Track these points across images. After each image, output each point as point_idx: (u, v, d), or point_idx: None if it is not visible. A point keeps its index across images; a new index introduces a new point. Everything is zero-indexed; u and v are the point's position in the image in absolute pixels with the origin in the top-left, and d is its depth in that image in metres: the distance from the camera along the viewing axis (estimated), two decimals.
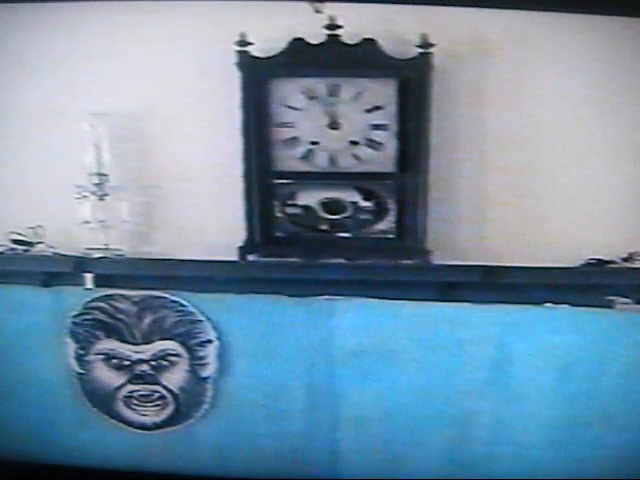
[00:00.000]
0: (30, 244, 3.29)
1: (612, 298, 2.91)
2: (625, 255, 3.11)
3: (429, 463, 3.04)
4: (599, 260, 3.10)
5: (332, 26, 3.14)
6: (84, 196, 3.31)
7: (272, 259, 3.27)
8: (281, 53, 3.17)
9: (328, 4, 3.07)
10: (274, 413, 3.09)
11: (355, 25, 3.13)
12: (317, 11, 3.07)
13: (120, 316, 3.08)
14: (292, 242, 3.30)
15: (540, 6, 3.10)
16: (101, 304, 3.09)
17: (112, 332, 3.10)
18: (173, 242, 3.40)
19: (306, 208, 3.29)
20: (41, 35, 3.37)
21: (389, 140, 3.22)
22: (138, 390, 3.15)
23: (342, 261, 3.21)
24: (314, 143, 3.25)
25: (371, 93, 3.20)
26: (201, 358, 3.09)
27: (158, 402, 3.15)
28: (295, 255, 3.25)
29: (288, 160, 3.28)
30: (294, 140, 3.26)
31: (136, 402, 3.16)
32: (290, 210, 3.30)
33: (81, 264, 3.18)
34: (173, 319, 3.06)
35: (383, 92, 3.20)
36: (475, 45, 3.21)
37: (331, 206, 3.28)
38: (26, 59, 3.38)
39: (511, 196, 3.32)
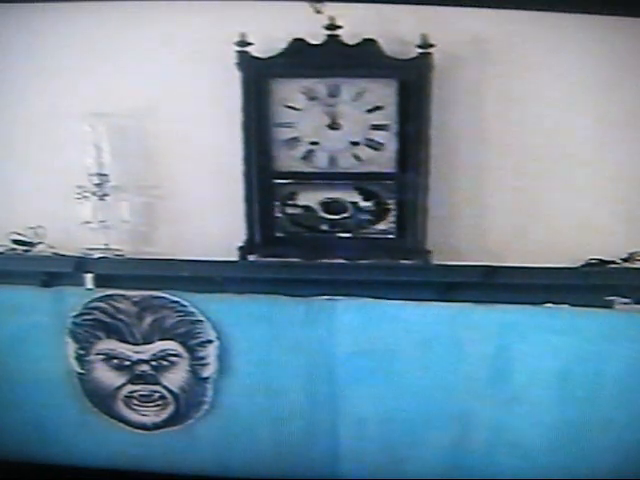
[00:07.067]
0: (30, 244, 3.29)
1: (612, 298, 2.92)
2: (625, 255, 3.11)
3: (429, 463, 3.04)
4: (599, 260, 3.09)
5: (332, 26, 3.13)
6: (84, 196, 3.30)
7: (272, 259, 3.27)
8: (281, 53, 3.17)
9: (328, 4, 3.07)
10: (274, 413, 3.10)
11: (355, 25, 3.13)
12: (317, 11, 3.07)
13: (120, 316, 3.08)
14: (292, 242, 3.30)
15: (540, 6, 3.10)
16: (101, 304, 3.10)
17: (112, 332, 3.10)
18: (173, 242, 3.40)
19: (306, 208, 3.29)
20: (41, 35, 3.37)
21: (389, 140, 3.22)
22: (138, 390, 3.15)
23: (342, 261, 3.21)
24: (314, 143, 3.25)
25: (371, 93, 3.20)
26: (201, 358, 3.09)
27: (158, 402, 3.15)
28: (295, 255, 3.25)
29: (288, 160, 3.28)
30: (294, 140, 3.26)
31: (136, 402, 3.17)
32: (290, 210, 3.30)
33: (81, 264, 3.18)
34: (173, 319, 3.06)
35: (383, 92, 3.20)
36: (475, 45, 3.21)
37: (331, 206, 3.28)
38: (26, 59, 3.38)
39: (511, 196, 3.32)
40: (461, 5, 3.14)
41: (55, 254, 3.27)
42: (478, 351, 2.93)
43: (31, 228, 3.29)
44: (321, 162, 3.26)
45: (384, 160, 3.24)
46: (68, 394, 3.18)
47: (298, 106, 3.23)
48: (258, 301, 3.04)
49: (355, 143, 3.23)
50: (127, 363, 3.12)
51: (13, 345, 3.17)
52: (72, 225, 3.31)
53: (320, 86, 3.20)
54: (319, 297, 3.02)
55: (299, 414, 3.08)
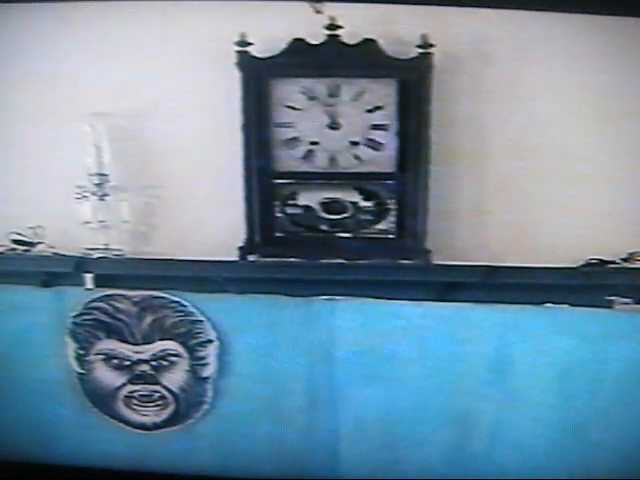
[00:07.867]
0: (30, 244, 3.29)
1: (612, 298, 2.92)
2: (625, 255, 3.11)
3: (429, 463, 3.04)
4: (599, 260, 3.09)
5: (332, 26, 3.13)
6: (84, 196, 3.30)
7: (272, 259, 3.27)
8: (281, 53, 3.17)
9: (328, 4, 3.07)
10: (274, 413, 3.10)
11: (355, 25, 3.13)
12: (317, 11, 3.07)
13: (120, 316, 3.09)
14: (292, 242, 3.30)
15: (540, 6, 3.10)
16: (101, 304, 3.10)
17: (112, 332, 3.11)
18: (173, 242, 3.40)
19: (306, 208, 3.29)
20: (40, 35, 3.37)
21: (389, 140, 3.22)
22: (138, 390, 3.16)
23: (342, 261, 3.21)
24: (314, 143, 3.25)
25: (371, 93, 3.20)
26: (201, 358, 3.10)
27: (158, 402, 3.16)
28: (295, 255, 3.25)
29: (288, 160, 3.28)
30: (294, 140, 3.26)
31: (136, 402, 3.17)
32: (290, 210, 3.30)
33: (81, 264, 3.18)
34: (173, 319, 3.07)
35: (383, 92, 3.20)
36: (475, 45, 3.21)
37: (331, 206, 3.28)
38: (26, 60, 3.38)
39: (511, 196, 3.32)
40: (461, 5, 3.14)
41: (55, 254, 3.27)
42: (478, 351, 2.93)
43: (31, 228, 3.29)
44: (321, 162, 3.26)
45: (384, 160, 3.24)
46: (68, 394, 3.18)
47: (298, 106, 3.23)
48: (258, 301, 3.04)
49: (355, 143, 3.23)
50: (127, 363, 3.12)
51: (13, 345, 3.18)
52: (72, 225, 3.31)
53: (320, 86, 3.20)
54: (319, 297, 3.02)
55: (299, 414, 3.09)
